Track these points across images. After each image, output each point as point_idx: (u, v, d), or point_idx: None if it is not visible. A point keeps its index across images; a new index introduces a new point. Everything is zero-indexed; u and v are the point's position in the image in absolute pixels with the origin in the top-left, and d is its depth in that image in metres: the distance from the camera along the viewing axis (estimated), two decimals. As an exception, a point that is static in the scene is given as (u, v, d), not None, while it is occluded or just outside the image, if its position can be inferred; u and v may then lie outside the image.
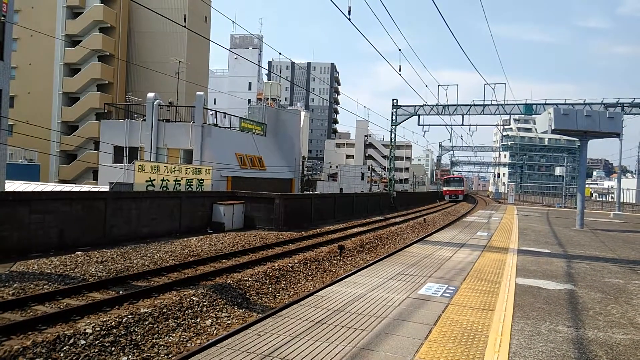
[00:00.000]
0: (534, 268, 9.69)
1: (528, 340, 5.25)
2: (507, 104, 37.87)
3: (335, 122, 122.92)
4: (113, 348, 7.34)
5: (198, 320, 8.94)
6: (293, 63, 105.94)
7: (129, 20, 50.80)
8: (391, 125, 42.90)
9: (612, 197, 62.82)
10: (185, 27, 17.94)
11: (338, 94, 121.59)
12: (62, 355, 6.86)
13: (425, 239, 15.59)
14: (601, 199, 65.36)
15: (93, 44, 47.14)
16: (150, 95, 29.77)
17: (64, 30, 47.74)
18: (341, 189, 62.92)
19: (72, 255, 13.16)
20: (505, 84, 38.43)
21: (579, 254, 12.03)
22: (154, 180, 21.90)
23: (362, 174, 70.92)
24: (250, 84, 78.96)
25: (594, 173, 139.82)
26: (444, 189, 68.33)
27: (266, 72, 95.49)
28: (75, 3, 47.87)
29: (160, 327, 8.29)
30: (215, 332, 8.56)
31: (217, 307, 9.71)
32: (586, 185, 28.05)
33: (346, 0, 14.53)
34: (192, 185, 23.42)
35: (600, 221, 24.74)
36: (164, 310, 8.85)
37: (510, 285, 7.99)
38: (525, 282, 8.30)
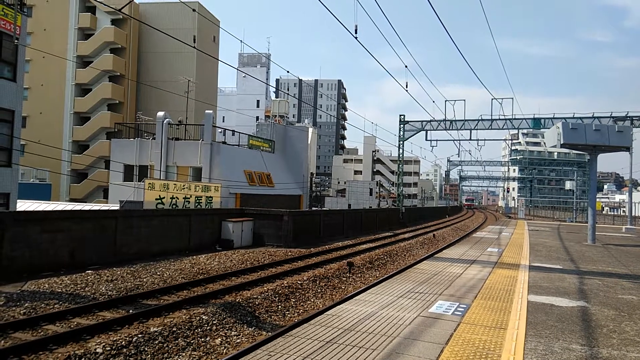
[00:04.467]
0: (546, 285, 9.58)
1: None
2: (515, 119, 37.81)
3: (343, 138, 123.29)
4: (123, 368, 7.33)
5: (208, 339, 8.91)
6: (300, 80, 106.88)
7: (139, 40, 51.68)
8: (399, 141, 42.97)
9: (623, 211, 62.11)
10: (194, 47, 18.23)
11: (345, 110, 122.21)
12: (72, 375, 6.86)
13: (435, 256, 15.49)
14: (612, 213, 64.63)
15: (104, 64, 47.95)
16: (160, 114, 30.12)
17: (75, 52, 48.65)
18: (349, 205, 62.80)
19: (83, 274, 13.23)
20: (512, 98, 38.47)
21: (591, 270, 11.89)
22: (164, 198, 22.04)
23: (371, 189, 70.81)
24: (258, 101, 79.62)
25: (605, 187, 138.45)
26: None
27: (274, 89, 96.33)
28: (86, 25, 48.84)
29: (170, 346, 8.28)
30: (225, 351, 8.52)
31: (227, 325, 9.69)
32: (597, 199, 27.78)
33: (353, 19, 14.71)
34: (201, 202, 23.52)
35: (612, 236, 24.45)
36: (174, 329, 8.84)
37: (522, 302, 7.91)
38: (537, 299, 8.21)
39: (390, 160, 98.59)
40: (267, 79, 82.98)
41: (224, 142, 33.11)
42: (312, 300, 12.90)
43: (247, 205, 26.27)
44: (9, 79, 20.43)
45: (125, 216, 16.98)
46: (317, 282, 14.47)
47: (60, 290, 11.28)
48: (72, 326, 8.79)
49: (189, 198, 23.04)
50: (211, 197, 24.15)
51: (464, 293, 8.58)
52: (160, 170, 28.71)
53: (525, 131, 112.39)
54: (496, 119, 37.91)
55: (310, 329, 6.09)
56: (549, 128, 30.45)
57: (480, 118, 38.71)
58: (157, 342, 8.25)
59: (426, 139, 43.04)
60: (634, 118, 34.60)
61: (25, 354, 7.26)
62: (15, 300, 10.14)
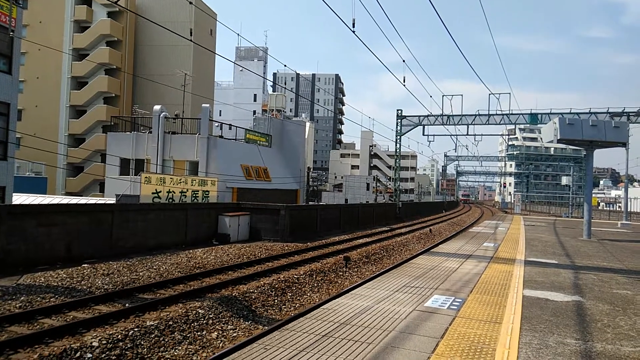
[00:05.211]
0: (541, 279, 9.63)
1: (536, 354, 5.21)
2: (512, 114, 37.80)
3: (340, 132, 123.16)
4: (119, 361, 7.33)
5: (204, 332, 8.93)
6: (298, 74, 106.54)
7: (136, 33, 51.38)
8: (396, 136, 42.94)
9: (619, 207, 62.39)
10: (191, 40, 18.10)
11: (343, 105, 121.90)
12: (68, 368, 6.86)
13: (432, 250, 15.53)
14: (608, 209, 64.90)
15: (100, 57, 47.67)
16: (157, 107, 29.99)
17: (71, 44, 48.33)
18: (346, 200, 62.82)
19: (79, 267, 13.21)
20: (509, 93, 38.47)
21: (586, 265, 11.94)
22: (160, 192, 21.97)
23: (368, 184, 70.76)
24: (255, 95, 79.40)
25: (601, 182, 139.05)
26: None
27: (271, 83, 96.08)
28: (82, 17, 48.50)
29: (166, 340, 8.29)
30: (221, 344, 8.54)
31: (223, 319, 9.70)
32: (593, 195, 27.88)
33: (350, 13, 14.66)
34: (198, 196, 23.48)
35: (608, 231, 24.56)
36: (170, 322, 8.85)
37: (517, 297, 7.94)
38: (532, 293, 8.25)
39: (388, 155, 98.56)
40: (264, 73, 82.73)
41: (221, 136, 33.02)
42: (308, 294, 12.93)
43: (244, 200, 26.24)
44: (4, 71, 20.29)
45: (122, 210, 16.94)
46: (314, 276, 14.49)
47: (56, 284, 11.26)
48: (68, 320, 8.79)
49: (185, 192, 22.99)
50: (208, 191, 24.09)
51: (460, 287, 8.61)
52: (157, 164, 28.64)
53: (522, 126, 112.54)
54: (493, 114, 37.89)
55: (306, 323, 6.11)
56: (545, 123, 30.50)
57: (477, 113, 38.69)
58: (153, 335, 8.26)
59: (423, 134, 43.03)
60: (630, 114, 34.65)
61: (21, 347, 7.26)
62: (11, 294, 10.13)
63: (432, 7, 13.57)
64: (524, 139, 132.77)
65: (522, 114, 37.86)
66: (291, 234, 22.07)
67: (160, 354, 7.84)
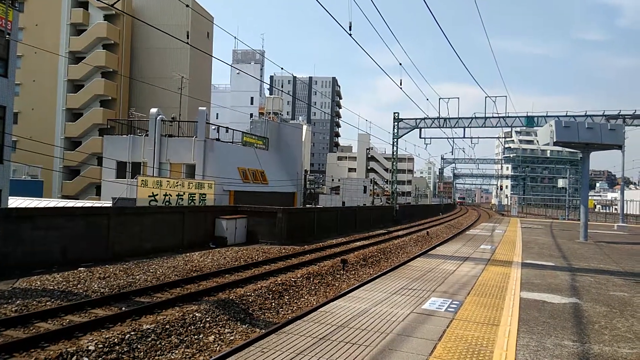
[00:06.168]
0: (538, 282, 9.64)
1: (533, 356, 5.21)
2: (508, 117, 37.89)
3: (337, 135, 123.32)
4: (116, 365, 7.29)
5: (201, 336, 8.90)
6: (295, 77, 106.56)
7: (132, 36, 51.32)
8: (393, 139, 42.98)
9: (615, 209, 62.59)
10: (187, 43, 18.11)
11: (340, 108, 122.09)
12: (64, 373, 6.82)
13: (429, 253, 15.54)
14: (605, 211, 65.12)
15: (96, 60, 47.57)
16: (153, 110, 29.95)
17: (67, 47, 48.20)
18: (343, 203, 62.79)
19: (75, 271, 13.15)
20: (506, 96, 38.73)
21: (583, 267, 11.97)
22: (157, 195, 21.92)
23: (365, 187, 70.77)
24: (252, 98, 79.38)
25: (597, 185, 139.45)
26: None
27: (268, 86, 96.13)
28: (79, 20, 48.41)
29: (163, 343, 8.25)
30: (218, 348, 8.50)
31: (220, 323, 9.67)
32: (589, 197, 27.97)
33: (347, 15, 14.68)
34: (195, 200, 23.43)
35: (604, 233, 24.63)
36: (167, 326, 8.81)
37: (514, 299, 7.95)
38: (529, 296, 8.26)
39: (384, 158, 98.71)
40: (261, 76, 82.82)
41: (218, 139, 32.97)
42: (305, 297, 12.90)
43: (241, 203, 26.20)
44: (0, 74, 20.24)
45: (118, 213, 16.90)
46: (311, 279, 14.47)
47: (52, 288, 11.21)
48: (64, 324, 8.75)
49: (182, 195, 22.95)
50: (205, 194, 24.06)
51: (457, 290, 8.61)
52: (154, 167, 28.57)
53: (518, 129, 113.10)
54: (490, 117, 37.96)
55: (303, 326, 6.09)
56: (542, 126, 30.57)
57: (474, 116, 38.77)
58: (149, 339, 8.23)
59: (420, 137, 43.11)
60: (626, 116, 34.79)
61: (16, 351, 7.21)
62: (6, 298, 10.07)
63: (428, 10, 13.63)
64: (521, 141, 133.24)
65: (518, 117, 37.97)
66: (288, 236, 22.04)
67: (157, 357, 7.81)
